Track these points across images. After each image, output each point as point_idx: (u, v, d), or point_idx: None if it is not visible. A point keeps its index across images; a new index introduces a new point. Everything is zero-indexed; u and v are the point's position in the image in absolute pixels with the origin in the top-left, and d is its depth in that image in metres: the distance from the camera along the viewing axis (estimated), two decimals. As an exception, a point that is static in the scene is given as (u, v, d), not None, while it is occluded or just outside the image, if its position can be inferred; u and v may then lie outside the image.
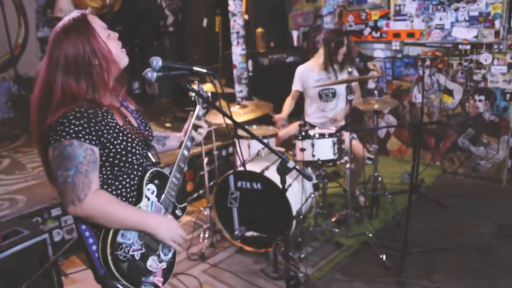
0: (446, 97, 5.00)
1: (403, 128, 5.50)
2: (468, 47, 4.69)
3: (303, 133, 3.59)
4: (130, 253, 1.60)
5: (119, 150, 1.61)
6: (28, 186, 4.07)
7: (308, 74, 4.18)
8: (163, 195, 1.75)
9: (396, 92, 5.40)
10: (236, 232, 3.45)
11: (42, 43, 6.93)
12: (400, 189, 4.61)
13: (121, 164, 1.63)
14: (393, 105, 4.22)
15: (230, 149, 5.12)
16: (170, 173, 1.80)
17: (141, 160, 1.71)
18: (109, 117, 1.62)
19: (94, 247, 1.59)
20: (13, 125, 6.16)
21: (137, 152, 1.68)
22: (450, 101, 4.98)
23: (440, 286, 3.06)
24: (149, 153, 1.79)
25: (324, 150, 3.54)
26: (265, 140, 3.99)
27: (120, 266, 1.56)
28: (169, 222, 1.70)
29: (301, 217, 3.53)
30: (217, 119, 3.61)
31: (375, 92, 4.15)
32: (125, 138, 1.63)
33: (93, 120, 1.55)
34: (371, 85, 5.64)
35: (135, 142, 1.68)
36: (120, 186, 1.65)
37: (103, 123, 1.58)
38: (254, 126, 4.46)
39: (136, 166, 1.69)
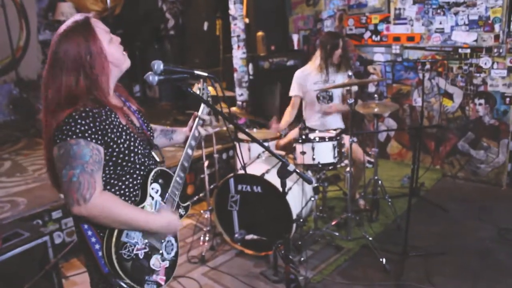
0: (446, 101, 5.02)
1: (403, 131, 5.51)
2: (468, 51, 4.71)
3: (304, 137, 3.60)
4: (134, 252, 1.61)
5: (122, 149, 1.62)
6: (29, 189, 4.08)
7: (306, 78, 4.19)
8: (167, 194, 1.78)
9: (396, 96, 5.41)
10: (236, 235, 3.44)
11: (43, 46, 6.96)
12: (400, 193, 4.61)
13: (124, 163, 1.64)
14: (393, 108, 4.22)
15: (231, 152, 5.13)
16: (174, 173, 1.82)
17: (143, 160, 1.73)
18: (113, 116, 1.64)
19: (97, 246, 1.60)
20: (14, 128, 6.18)
21: (140, 151, 1.69)
22: (450, 104, 5.00)
23: (440, 290, 3.07)
24: (152, 152, 1.81)
25: (324, 153, 3.55)
26: (266, 144, 3.99)
27: (124, 265, 1.57)
28: (171, 221, 1.72)
29: (301, 220, 3.54)
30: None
31: (375, 95, 4.16)
32: (128, 137, 1.65)
33: (98, 119, 1.56)
34: (371, 88, 5.66)
35: (138, 141, 1.69)
36: (123, 186, 1.66)
37: (107, 122, 1.59)
38: (255, 130, 4.47)
39: (138, 166, 1.70)
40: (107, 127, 1.58)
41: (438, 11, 4.83)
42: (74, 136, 1.51)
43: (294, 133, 4.24)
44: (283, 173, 1.86)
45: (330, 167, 3.67)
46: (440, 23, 4.85)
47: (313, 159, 3.53)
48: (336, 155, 3.57)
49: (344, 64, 4.15)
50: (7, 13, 5.75)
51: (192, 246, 3.81)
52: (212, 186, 4.20)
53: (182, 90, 1.85)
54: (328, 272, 3.35)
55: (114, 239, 1.56)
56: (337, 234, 3.76)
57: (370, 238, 3.55)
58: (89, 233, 1.61)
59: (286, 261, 2.37)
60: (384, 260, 3.34)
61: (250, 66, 5.56)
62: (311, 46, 6.08)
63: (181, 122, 5.89)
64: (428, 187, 4.79)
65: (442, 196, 4.56)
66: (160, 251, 1.73)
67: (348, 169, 3.71)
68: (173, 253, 1.79)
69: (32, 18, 6.81)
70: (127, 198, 1.67)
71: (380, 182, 4.12)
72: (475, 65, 4.70)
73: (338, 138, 3.60)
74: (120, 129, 1.63)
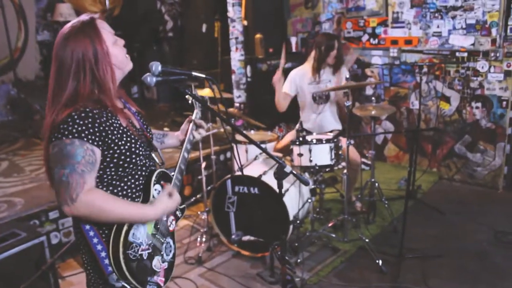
0: (443, 104, 5.03)
1: (401, 134, 5.53)
2: (465, 54, 4.73)
3: (301, 139, 3.61)
4: (139, 252, 1.62)
5: (123, 151, 1.62)
6: (26, 189, 4.08)
7: (302, 78, 4.19)
8: None
9: (394, 99, 5.43)
10: (233, 236, 3.46)
11: (42, 46, 6.97)
12: (397, 195, 4.62)
13: (125, 165, 1.64)
14: (391, 111, 4.24)
15: (228, 154, 5.13)
16: (172, 175, 1.83)
17: (144, 161, 1.74)
18: (114, 118, 1.64)
19: (100, 247, 1.59)
20: (12, 128, 6.17)
21: (141, 153, 1.70)
22: (447, 108, 5.01)
23: (435, 292, 3.08)
24: (152, 154, 1.82)
25: (322, 155, 3.56)
26: (263, 145, 4.01)
27: (130, 265, 1.57)
28: (165, 203, 1.69)
29: (298, 222, 3.55)
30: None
31: (373, 98, 4.18)
32: (129, 139, 1.65)
33: (98, 121, 1.56)
34: (369, 91, 5.67)
35: (139, 143, 1.70)
36: (125, 187, 1.67)
37: (108, 123, 1.59)
38: (252, 131, 4.48)
39: (139, 167, 1.71)
40: (107, 128, 1.58)
41: (436, 15, 4.86)
42: (70, 136, 1.50)
43: (292, 135, 4.25)
44: (280, 175, 1.87)
45: (327, 169, 3.68)
46: (438, 26, 4.87)
47: (310, 161, 3.54)
48: (333, 157, 3.58)
49: (340, 65, 4.16)
50: (5, 14, 5.75)
51: (189, 247, 3.82)
52: (209, 188, 4.20)
53: (180, 92, 1.86)
54: (324, 274, 3.36)
55: (122, 239, 1.56)
56: (333, 235, 3.76)
57: (367, 240, 3.56)
58: (91, 233, 1.60)
59: (283, 263, 2.38)
60: (380, 262, 3.35)
61: (248, 68, 5.57)
62: (309, 49, 6.09)
63: (179, 124, 5.83)
64: (425, 189, 4.80)
65: (439, 199, 4.57)
66: (161, 252, 1.74)
67: (345, 171, 3.73)
68: (171, 255, 1.81)
69: (31, 19, 6.80)
70: (129, 199, 1.67)
71: (377, 184, 4.13)
72: (472, 69, 4.72)
73: (335, 140, 3.61)
74: (120, 131, 1.64)
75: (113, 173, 1.63)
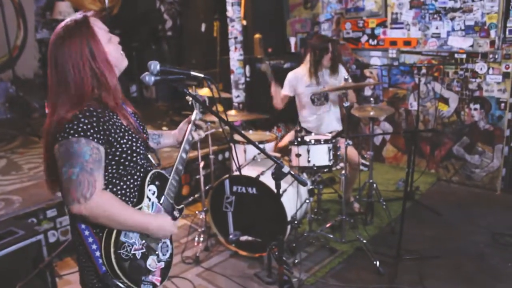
0: (441, 105, 5.04)
1: (399, 135, 5.53)
2: (464, 56, 4.74)
3: (299, 139, 3.61)
4: (132, 252, 1.62)
5: (125, 149, 1.63)
6: (24, 187, 4.07)
7: (298, 81, 4.19)
8: (163, 197, 1.78)
9: (392, 100, 5.43)
10: (230, 236, 3.46)
11: (41, 45, 6.96)
12: (395, 196, 4.63)
13: (126, 163, 1.65)
14: (389, 112, 4.24)
15: (227, 154, 5.13)
16: (169, 175, 1.83)
17: (143, 161, 1.74)
18: (115, 117, 1.65)
19: (94, 246, 1.59)
20: (10, 126, 6.16)
21: (141, 152, 1.71)
22: (446, 109, 5.02)
23: (432, 293, 3.09)
24: (149, 155, 1.82)
25: (320, 156, 3.56)
26: (261, 145, 4.01)
27: (122, 264, 1.58)
28: (167, 225, 1.72)
29: (295, 222, 3.55)
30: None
31: (371, 99, 4.18)
32: (130, 137, 1.66)
33: (102, 120, 1.57)
34: (367, 92, 5.68)
35: (139, 142, 1.70)
36: (124, 186, 1.67)
37: (111, 122, 1.60)
38: (251, 131, 4.48)
39: (139, 167, 1.71)
40: (110, 127, 1.59)
41: (435, 16, 4.86)
42: (76, 135, 1.51)
43: (291, 135, 4.25)
44: (278, 175, 1.87)
45: (325, 170, 3.68)
46: (437, 28, 4.88)
47: (308, 161, 3.54)
48: (331, 157, 3.58)
49: (336, 67, 4.16)
50: (4, 12, 5.74)
51: (187, 247, 3.81)
52: (207, 187, 4.20)
53: (178, 91, 1.86)
54: (321, 274, 3.36)
55: (113, 239, 1.57)
56: (331, 236, 3.77)
57: (364, 241, 3.56)
58: (86, 233, 1.60)
59: (280, 263, 2.38)
60: (378, 263, 3.36)
61: (247, 68, 5.57)
62: (308, 49, 6.09)
63: (177, 123, 5.85)
64: (422, 191, 4.81)
65: (437, 200, 4.58)
66: (157, 252, 1.74)
67: (343, 171, 3.73)
68: (168, 254, 1.81)
69: (30, 17, 6.80)
70: (126, 199, 1.68)
71: (375, 185, 4.14)
72: (471, 70, 4.73)
73: (333, 141, 3.61)
74: (122, 129, 1.64)
75: (114, 171, 1.63)
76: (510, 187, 4.70)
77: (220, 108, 3.89)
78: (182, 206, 1.93)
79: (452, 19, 4.74)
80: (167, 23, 8.06)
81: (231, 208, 3.59)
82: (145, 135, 1.83)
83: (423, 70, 5.06)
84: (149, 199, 1.72)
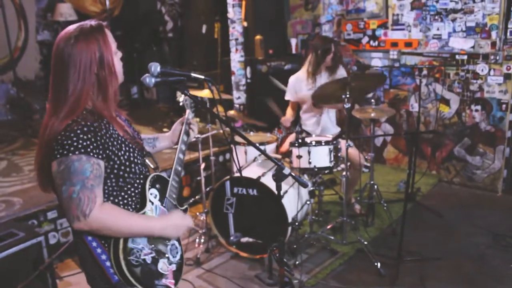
0: (442, 107, 5.03)
1: (400, 136, 5.52)
2: (465, 57, 4.73)
3: (300, 140, 3.60)
4: (142, 257, 1.61)
5: (123, 161, 1.63)
6: (25, 189, 4.08)
7: (300, 84, 4.19)
8: (165, 199, 1.78)
9: (393, 101, 5.43)
10: (231, 238, 3.44)
11: (42, 46, 6.97)
12: (396, 198, 4.62)
13: (126, 174, 1.64)
14: (390, 113, 4.24)
15: (227, 155, 5.13)
16: (169, 177, 1.83)
17: (142, 169, 1.74)
18: (111, 128, 1.64)
19: (104, 256, 1.59)
20: (11, 128, 6.17)
21: (138, 161, 1.71)
22: (447, 110, 5.02)
23: (434, 295, 3.08)
24: (146, 160, 1.82)
25: (321, 157, 3.55)
26: (262, 147, 4.00)
27: (133, 271, 1.57)
28: (173, 220, 1.72)
29: (296, 224, 3.54)
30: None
31: (372, 100, 4.17)
32: (127, 148, 1.66)
33: (99, 134, 1.55)
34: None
35: (136, 151, 1.70)
36: (126, 196, 1.67)
37: (107, 135, 1.60)
38: (251, 133, 4.48)
39: (137, 175, 1.70)
40: (107, 140, 1.58)
41: (436, 17, 4.86)
42: (76, 152, 1.49)
43: (292, 138, 4.24)
44: (279, 177, 1.87)
45: (326, 171, 3.68)
46: (438, 29, 4.87)
47: (309, 162, 3.54)
48: (332, 159, 3.58)
49: (337, 68, 4.16)
50: (5, 13, 5.75)
51: (187, 248, 3.81)
52: (208, 189, 4.19)
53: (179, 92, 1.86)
54: (322, 276, 3.36)
55: (121, 246, 1.56)
56: (332, 238, 3.76)
57: (365, 243, 3.55)
58: (94, 244, 1.60)
59: (281, 264, 2.37)
60: (379, 264, 3.35)
61: (248, 69, 5.57)
62: (308, 51, 6.09)
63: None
64: (424, 192, 4.80)
65: (438, 202, 4.57)
66: (167, 255, 1.73)
67: (344, 173, 3.72)
68: (178, 256, 1.79)
69: (31, 18, 6.81)
70: (129, 207, 1.67)
71: (376, 186, 4.13)
72: (472, 72, 4.72)
73: (334, 142, 3.61)
74: (119, 141, 1.64)
75: (113, 183, 1.63)
76: (511, 188, 4.69)
77: (220, 109, 3.89)
78: (185, 206, 1.93)
79: (453, 20, 4.73)
80: (168, 25, 8.06)
81: (232, 210, 3.58)
82: (140, 141, 1.83)
83: (424, 72, 5.06)
84: (152, 203, 1.72)
